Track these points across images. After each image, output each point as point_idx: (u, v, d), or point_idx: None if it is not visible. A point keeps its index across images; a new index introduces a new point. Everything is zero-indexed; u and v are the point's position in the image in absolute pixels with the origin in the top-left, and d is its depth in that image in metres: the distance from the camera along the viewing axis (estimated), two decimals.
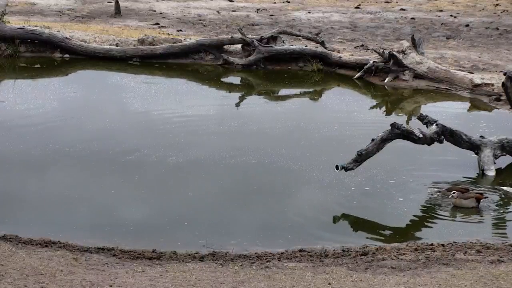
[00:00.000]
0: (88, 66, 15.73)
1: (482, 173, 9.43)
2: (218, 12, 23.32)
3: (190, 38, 17.23)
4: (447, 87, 14.22)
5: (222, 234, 7.44)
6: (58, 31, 16.53)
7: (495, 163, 9.57)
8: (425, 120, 9.63)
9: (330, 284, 6.05)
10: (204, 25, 20.77)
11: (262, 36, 16.15)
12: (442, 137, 9.45)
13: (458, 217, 8.13)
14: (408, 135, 9.11)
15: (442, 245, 7.11)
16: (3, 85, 14.44)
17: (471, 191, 8.47)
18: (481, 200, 8.32)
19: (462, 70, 14.91)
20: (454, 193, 8.33)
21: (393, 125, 8.95)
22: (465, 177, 9.35)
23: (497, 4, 26.58)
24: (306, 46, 16.34)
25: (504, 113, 12.65)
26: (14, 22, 17.40)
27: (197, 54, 16.26)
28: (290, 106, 13.57)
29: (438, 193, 8.60)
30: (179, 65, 15.97)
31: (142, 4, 24.65)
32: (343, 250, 6.94)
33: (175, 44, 16.22)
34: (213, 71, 15.68)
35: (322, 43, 16.36)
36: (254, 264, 6.50)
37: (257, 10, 24.14)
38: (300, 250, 6.93)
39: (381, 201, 8.46)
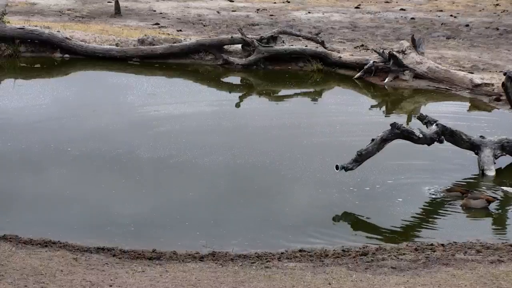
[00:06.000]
0: (88, 66, 15.73)
1: (482, 173, 9.43)
2: (218, 12, 23.33)
3: (190, 38, 17.23)
4: (447, 87, 14.22)
5: (222, 234, 7.44)
6: (58, 31, 16.53)
7: (495, 163, 9.57)
8: (425, 120, 9.63)
9: (330, 284, 6.05)
10: (204, 25, 20.77)
11: (262, 36, 16.15)
12: (442, 137, 9.45)
13: (458, 217, 8.14)
14: (408, 135, 9.10)
15: (442, 245, 7.11)
16: (3, 85, 14.44)
17: (481, 192, 8.49)
18: (492, 203, 8.33)
19: (462, 70, 14.91)
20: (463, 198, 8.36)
21: (393, 125, 8.95)
22: (465, 177, 9.35)
23: (497, 4, 26.58)
24: (306, 46, 16.34)
25: (504, 113, 12.65)
26: (14, 22, 17.40)
27: (197, 54, 16.26)
28: (290, 106, 13.57)
29: (439, 193, 8.62)
30: (179, 65, 15.96)
31: (142, 4, 24.65)
32: (343, 250, 6.94)
33: (175, 44, 16.22)
34: (213, 71, 15.68)
35: (322, 43, 16.36)
36: (254, 264, 6.50)
37: (257, 10, 24.14)
38: (300, 250, 6.93)
39: (381, 201, 8.46)
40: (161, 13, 22.90)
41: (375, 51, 15.39)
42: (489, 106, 13.19)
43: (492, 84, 13.67)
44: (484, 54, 17.11)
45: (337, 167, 8.61)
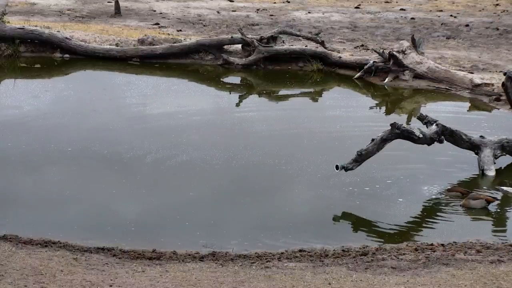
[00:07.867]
0: (88, 66, 15.73)
1: (482, 173, 9.43)
2: (218, 12, 23.33)
3: (190, 38, 17.23)
4: (447, 87, 14.22)
5: (222, 234, 7.44)
6: (58, 31, 16.53)
7: (495, 163, 9.57)
8: (425, 120, 9.63)
9: (330, 284, 6.05)
10: (204, 25, 20.77)
11: (262, 36, 16.15)
12: (442, 137, 9.45)
13: (458, 217, 8.14)
14: (408, 135, 9.11)
15: (442, 245, 7.11)
16: (3, 85, 14.44)
17: (479, 193, 8.49)
18: (491, 203, 8.34)
19: (462, 70, 14.91)
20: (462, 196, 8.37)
21: (393, 125, 8.95)
22: (465, 177, 9.35)
23: (497, 4, 26.59)
24: (306, 46, 16.34)
25: (504, 113, 12.65)
26: (14, 22, 17.40)
27: (197, 54, 16.26)
28: (290, 106, 13.56)
29: (439, 193, 8.62)
30: (179, 65, 15.96)
31: (142, 4, 24.65)
32: (343, 250, 6.94)
33: (175, 44, 16.22)
34: (213, 71, 15.68)
35: (322, 43, 16.36)
36: (254, 264, 6.50)
37: (257, 10, 24.14)
38: (300, 250, 6.93)
39: (381, 201, 8.45)
40: (161, 13, 22.90)
41: (375, 51, 15.39)
42: (489, 106, 13.19)
43: (492, 84, 13.67)
44: (484, 54, 17.11)
45: (337, 167, 8.61)
